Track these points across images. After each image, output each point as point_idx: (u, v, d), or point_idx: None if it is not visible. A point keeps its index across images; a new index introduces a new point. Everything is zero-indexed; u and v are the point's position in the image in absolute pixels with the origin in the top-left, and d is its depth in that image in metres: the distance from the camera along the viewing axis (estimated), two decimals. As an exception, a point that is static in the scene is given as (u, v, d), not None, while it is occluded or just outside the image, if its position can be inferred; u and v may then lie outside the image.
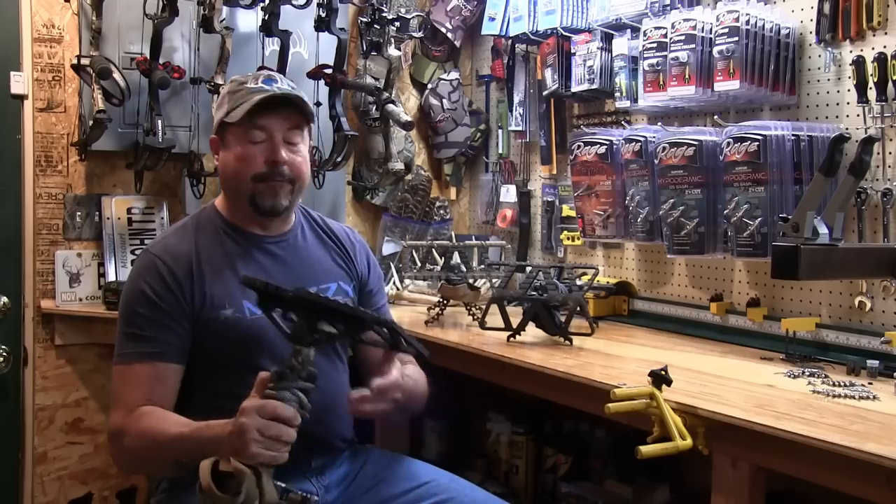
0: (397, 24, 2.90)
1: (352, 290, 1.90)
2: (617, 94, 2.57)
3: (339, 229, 1.97)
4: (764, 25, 2.13)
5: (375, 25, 2.84)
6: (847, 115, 2.05)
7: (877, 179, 1.97)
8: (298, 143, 1.78)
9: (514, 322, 2.25)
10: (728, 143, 2.13)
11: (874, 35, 1.98)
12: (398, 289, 2.97)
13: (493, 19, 3.02)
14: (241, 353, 1.70)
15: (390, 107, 2.79)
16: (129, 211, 2.80)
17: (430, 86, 3.30)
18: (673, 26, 2.28)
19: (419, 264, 2.93)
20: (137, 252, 2.71)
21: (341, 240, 1.94)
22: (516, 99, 3.09)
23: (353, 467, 1.81)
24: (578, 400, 1.91)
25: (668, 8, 2.38)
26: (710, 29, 2.21)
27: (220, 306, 1.70)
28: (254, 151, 1.74)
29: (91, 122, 2.51)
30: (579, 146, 2.62)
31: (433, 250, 2.95)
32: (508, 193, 3.19)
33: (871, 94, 1.95)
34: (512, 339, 2.24)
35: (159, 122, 2.56)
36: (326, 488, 1.73)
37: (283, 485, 1.37)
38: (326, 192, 2.88)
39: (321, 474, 1.74)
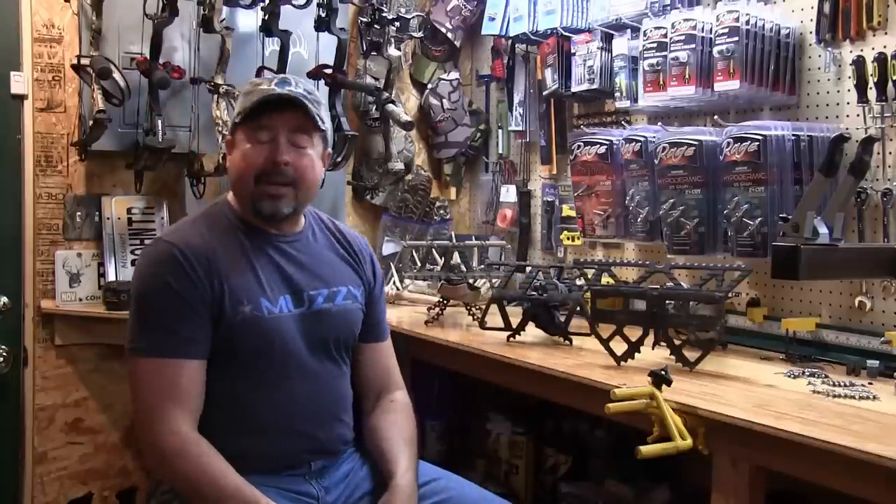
0: (397, 24, 2.90)
1: (360, 294, 1.87)
2: (617, 94, 2.57)
3: (349, 234, 1.95)
4: (764, 25, 2.13)
5: (375, 25, 2.84)
6: (847, 115, 2.05)
7: (877, 179, 1.97)
8: (306, 147, 1.75)
9: (514, 322, 2.25)
10: (728, 143, 2.13)
11: (874, 35, 1.98)
12: (398, 289, 2.97)
13: (493, 19, 3.02)
14: (256, 353, 1.67)
15: (390, 107, 2.79)
16: (129, 211, 2.80)
17: (430, 86, 3.30)
18: (673, 26, 2.28)
19: (419, 264, 2.93)
20: (137, 252, 2.71)
21: (352, 245, 1.92)
22: (516, 99, 3.09)
23: (353, 466, 1.80)
24: (578, 400, 1.91)
25: (668, 8, 2.38)
26: (710, 29, 2.21)
27: (239, 302, 1.65)
28: (258, 150, 1.71)
29: (91, 122, 2.50)
30: (579, 146, 2.62)
31: (433, 250, 2.94)
32: (508, 193, 3.19)
33: (871, 94, 1.95)
34: (512, 339, 2.24)
35: (159, 122, 2.56)
36: (326, 489, 1.73)
37: None
38: (326, 192, 2.87)
39: (321, 476, 1.74)
